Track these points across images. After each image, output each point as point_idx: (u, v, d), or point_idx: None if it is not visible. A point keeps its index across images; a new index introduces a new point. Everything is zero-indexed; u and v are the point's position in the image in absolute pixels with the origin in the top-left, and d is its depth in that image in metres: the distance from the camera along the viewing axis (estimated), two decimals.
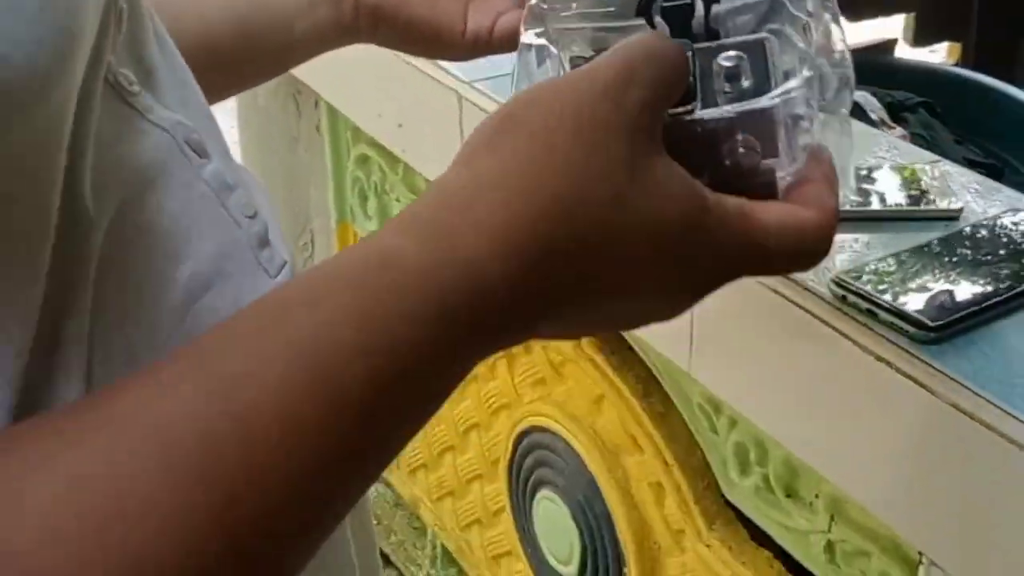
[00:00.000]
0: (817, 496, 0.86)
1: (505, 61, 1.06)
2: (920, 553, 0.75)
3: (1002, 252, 0.77)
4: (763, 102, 0.42)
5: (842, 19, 0.47)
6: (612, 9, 0.46)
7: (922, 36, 2.18)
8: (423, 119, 1.18)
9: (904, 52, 2.08)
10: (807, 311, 0.74)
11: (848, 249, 0.78)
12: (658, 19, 0.46)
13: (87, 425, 0.33)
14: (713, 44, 0.44)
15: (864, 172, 0.86)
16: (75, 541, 0.30)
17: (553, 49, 0.47)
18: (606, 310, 0.40)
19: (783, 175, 0.43)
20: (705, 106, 0.42)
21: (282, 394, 0.33)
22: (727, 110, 0.42)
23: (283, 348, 0.34)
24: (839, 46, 0.47)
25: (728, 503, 0.99)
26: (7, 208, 0.35)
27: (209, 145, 0.47)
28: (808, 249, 0.42)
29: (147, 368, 0.35)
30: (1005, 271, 0.74)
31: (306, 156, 1.58)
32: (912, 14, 2.13)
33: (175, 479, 0.31)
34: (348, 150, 1.47)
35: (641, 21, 0.46)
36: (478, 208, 0.37)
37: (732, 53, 0.43)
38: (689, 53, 0.43)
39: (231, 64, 0.50)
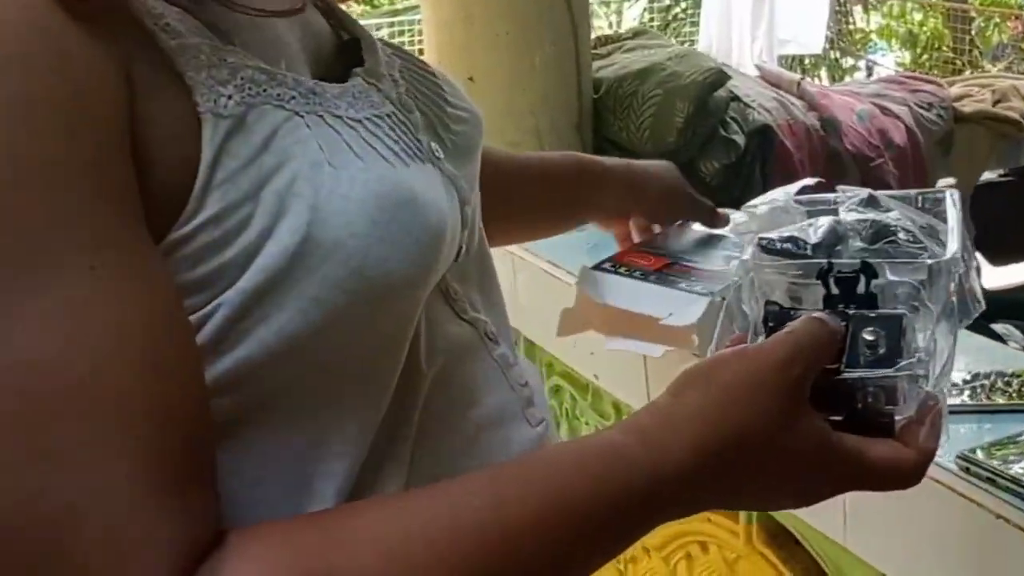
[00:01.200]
0: None
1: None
2: None
3: None
4: (891, 372, 0.55)
5: (988, 264, 0.65)
6: (801, 272, 0.62)
7: None
8: None
9: None
10: (938, 481, 0.91)
11: (969, 432, 0.95)
12: (831, 282, 0.59)
13: (414, 505, 0.53)
14: (865, 313, 0.57)
15: (988, 375, 1.04)
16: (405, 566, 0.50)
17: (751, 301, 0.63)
18: (748, 499, 0.60)
19: (899, 418, 0.57)
20: (849, 365, 0.56)
21: (535, 520, 0.52)
22: (865, 375, 0.55)
23: (547, 492, 0.53)
24: (976, 289, 0.63)
25: None
26: (374, 361, 0.59)
27: (500, 336, 0.71)
28: (903, 480, 0.57)
29: (455, 479, 0.54)
30: None
31: None
32: None
33: (460, 551, 0.51)
34: (543, 382, 1.68)
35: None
36: (683, 430, 0.55)
37: (872, 328, 0.56)
38: (844, 323, 0.56)
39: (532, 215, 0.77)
